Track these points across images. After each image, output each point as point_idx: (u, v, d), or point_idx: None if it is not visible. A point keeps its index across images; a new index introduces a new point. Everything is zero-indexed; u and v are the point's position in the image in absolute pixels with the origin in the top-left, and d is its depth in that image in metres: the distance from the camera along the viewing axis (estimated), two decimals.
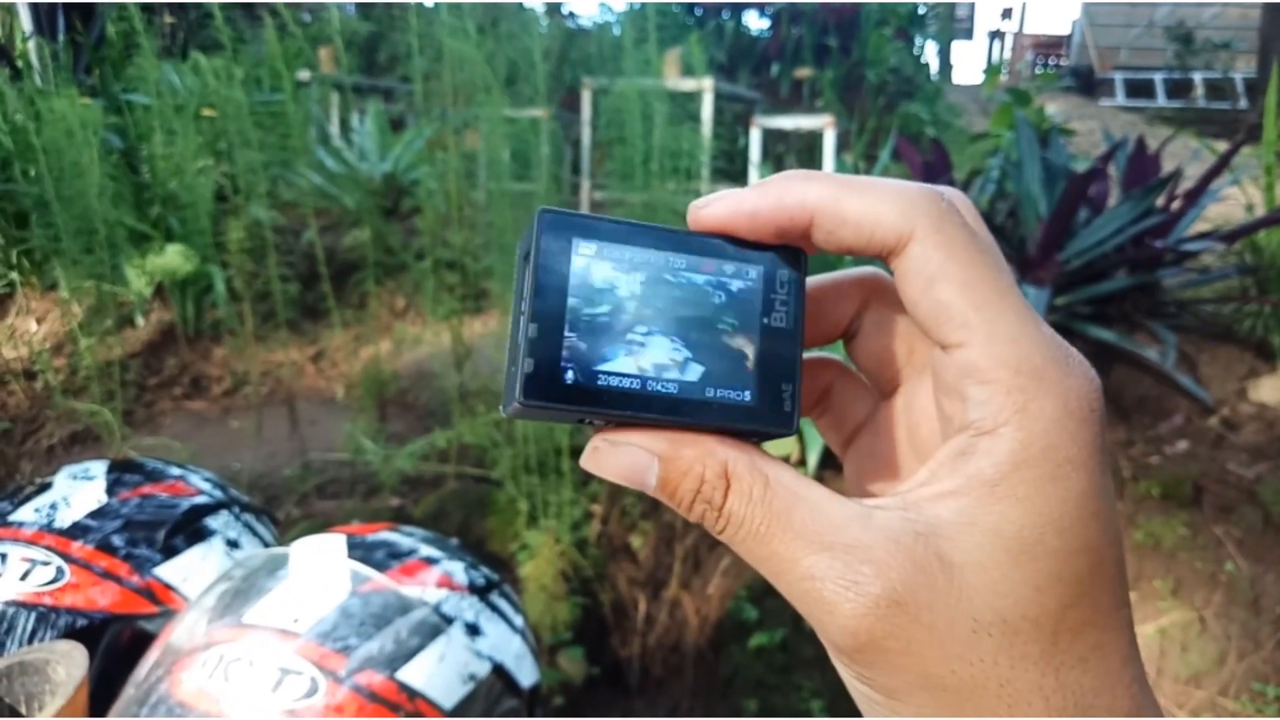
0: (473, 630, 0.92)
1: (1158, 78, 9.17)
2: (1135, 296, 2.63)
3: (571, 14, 6.60)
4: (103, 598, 0.93)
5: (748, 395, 0.26)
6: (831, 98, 5.81)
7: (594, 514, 2.26)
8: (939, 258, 0.25)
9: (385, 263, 2.98)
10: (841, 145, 4.51)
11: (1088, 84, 9.49)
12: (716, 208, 0.27)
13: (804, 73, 6.39)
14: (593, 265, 0.26)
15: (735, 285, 0.27)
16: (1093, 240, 2.49)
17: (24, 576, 0.92)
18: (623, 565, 2.24)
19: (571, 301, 0.26)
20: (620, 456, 0.26)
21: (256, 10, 3.69)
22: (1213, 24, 9.49)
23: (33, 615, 0.89)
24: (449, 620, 0.90)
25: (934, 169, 2.76)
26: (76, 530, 0.98)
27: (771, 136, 4.47)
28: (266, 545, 1.13)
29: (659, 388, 0.26)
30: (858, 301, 0.30)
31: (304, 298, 2.91)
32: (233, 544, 1.07)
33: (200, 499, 1.10)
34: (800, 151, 4.72)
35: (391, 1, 4.46)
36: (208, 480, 1.16)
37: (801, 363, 0.27)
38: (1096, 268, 2.54)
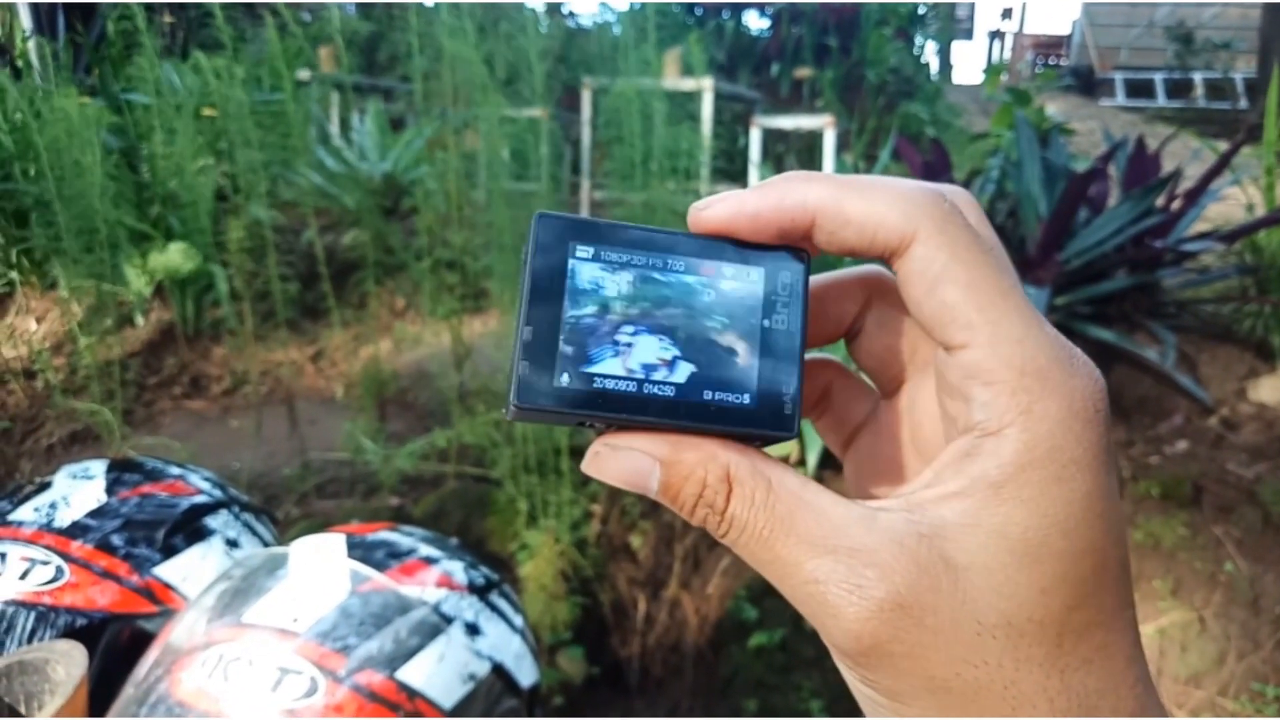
0: (472, 630, 0.92)
1: (1158, 78, 9.18)
2: (1135, 296, 2.63)
3: (571, 14, 6.60)
4: (102, 597, 0.93)
5: (747, 398, 0.26)
6: (831, 98, 5.81)
7: (594, 514, 2.26)
8: (942, 259, 0.25)
9: (385, 262, 2.98)
10: (841, 145, 4.51)
11: (1088, 84, 9.50)
12: (717, 209, 0.27)
13: (804, 73, 6.40)
14: (589, 269, 0.26)
15: (735, 288, 0.27)
16: (1093, 240, 2.49)
17: (23, 576, 0.92)
18: (622, 565, 2.24)
19: (567, 305, 0.25)
20: (622, 461, 0.26)
21: (257, 9, 3.69)
22: (1213, 24, 9.49)
23: (32, 614, 0.89)
24: (449, 620, 0.90)
25: (934, 169, 2.76)
26: (76, 529, 0.98)
27: (771, 136, 4.47)
28: (266, 545, 1.13)
29: (656, 391, 0.25)
30: (860, 300, 0.30)
31: (304, 297, 2.91)
32: (232, 543, 1.07)
33: (200, 498, 1.10)
34: (800, 151, 4.72)
35: (391, 1, 4.46)
36: (207, 480, 1.16)
37: (804, 366, 0.27)
38: (1096, 268, 2.54)
